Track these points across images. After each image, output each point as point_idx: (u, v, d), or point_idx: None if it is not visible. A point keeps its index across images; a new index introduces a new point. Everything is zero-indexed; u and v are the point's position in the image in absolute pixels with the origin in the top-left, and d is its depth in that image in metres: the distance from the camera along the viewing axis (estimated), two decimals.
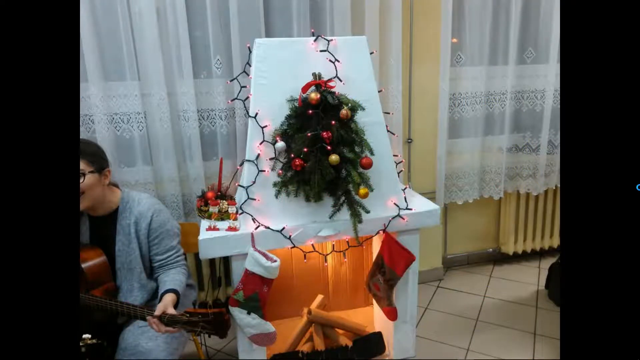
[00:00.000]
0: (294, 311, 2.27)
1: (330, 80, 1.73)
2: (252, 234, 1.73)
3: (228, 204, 1.83)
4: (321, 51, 1.76)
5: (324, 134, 1.62)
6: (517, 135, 2.82)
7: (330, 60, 1.76)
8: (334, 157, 1.62)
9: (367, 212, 1.77)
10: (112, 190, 1.65)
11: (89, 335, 1.47)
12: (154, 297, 1.67)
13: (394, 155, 1.92)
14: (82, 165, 1.49)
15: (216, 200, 1.86)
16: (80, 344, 1.45)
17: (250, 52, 1.77)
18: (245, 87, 1.93)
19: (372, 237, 1.90)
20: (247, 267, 1.71)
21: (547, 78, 2.65)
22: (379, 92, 1.86)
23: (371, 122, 1.79)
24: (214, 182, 2.03)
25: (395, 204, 1.89)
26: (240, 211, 1.78)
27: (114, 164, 2.07)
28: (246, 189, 1.76)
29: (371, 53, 1.83)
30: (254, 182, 1.76)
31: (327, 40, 1.76)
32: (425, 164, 2.72)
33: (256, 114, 1.74)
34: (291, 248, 1.80)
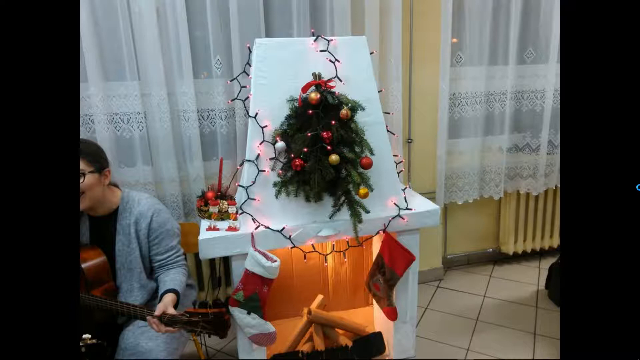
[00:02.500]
0: (294, 311, 2.27)
1: (330, 80, 1.73)
2: (252, 234, 1.73)
3: (228, 204, 1.83)
4: (321, 51, 1.76)
5: (324, 134, 1.62)
6: (517, 135, 2.82)
7: (330, 60, 1.76)
8: (334, 157, 1.62)
9: (367, 212, 1.77)
10: (112, 190, 1.65)
11: (89, 335, 1.47)
12: (154, 297, 1.67)
13: (394, 155, 1.92)
14: (82, 165, 1.49)
15: (216, 200, 1.86)
16: (80, 344, 1.45)
17: (250, 52, 1.77)
18: (245, 87, 1.94)
19: (372, 237, 1.90)
20: (247, 267, 1.71)
21: (547, 78, 2.65)
22: (379, 92, 1.86)
23: (371, 122, 1.79)
24: (214, 182, 2.03)
25: (395, 204, 1.89)
26: (240, 211, 1.78)
27: (114, 164, 2.07)
28: (246, 189, 1.76)
29: (371, 53, 1.83)
30: (254, 182, 1.76)
31: (327, 40, 1.76)
32: (425, 164, 2.72)
33: (256, 114, 1.74)
34: (291, 248, 1.80)
